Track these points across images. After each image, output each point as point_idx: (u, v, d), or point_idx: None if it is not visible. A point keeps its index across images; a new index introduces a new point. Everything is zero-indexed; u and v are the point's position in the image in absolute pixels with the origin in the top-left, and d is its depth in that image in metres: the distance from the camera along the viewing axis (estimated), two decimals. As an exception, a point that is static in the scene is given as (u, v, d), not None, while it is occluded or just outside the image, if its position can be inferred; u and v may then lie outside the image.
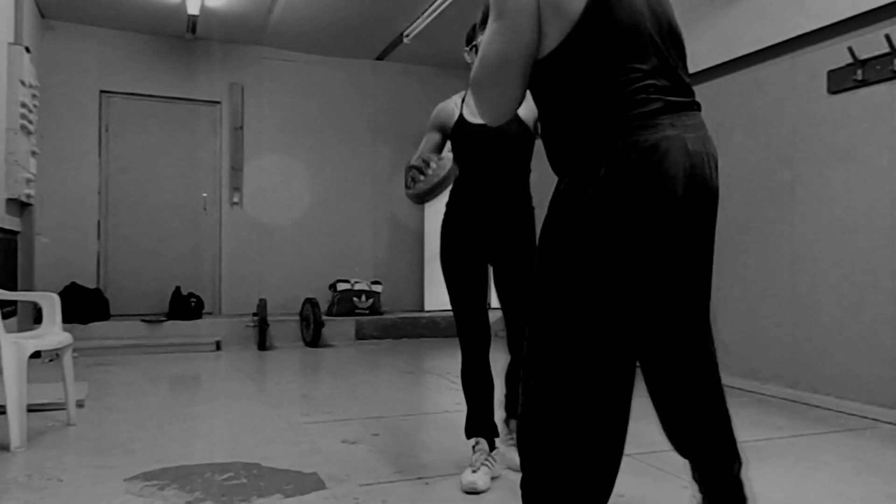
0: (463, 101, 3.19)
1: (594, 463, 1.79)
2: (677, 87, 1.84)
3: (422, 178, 2.87)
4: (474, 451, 3.07)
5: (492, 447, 3.11)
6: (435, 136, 3.20)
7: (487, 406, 3.12)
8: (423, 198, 2.95)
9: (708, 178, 1.79)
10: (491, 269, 3.22)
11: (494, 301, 3.47)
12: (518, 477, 1.91)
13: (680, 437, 2.09)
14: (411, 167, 2.90)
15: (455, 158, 3.13)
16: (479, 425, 3.12)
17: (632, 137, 1.68)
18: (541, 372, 1.76)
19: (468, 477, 2.93)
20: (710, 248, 1.89)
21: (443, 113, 3.21)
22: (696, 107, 1.92)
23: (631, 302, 1.71)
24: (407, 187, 2.95)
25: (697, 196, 1.75)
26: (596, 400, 1.73)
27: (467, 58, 3.12)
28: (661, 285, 1.76)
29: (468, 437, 3.16)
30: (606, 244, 1.67)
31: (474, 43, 3.03)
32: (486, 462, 3.03)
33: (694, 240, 1.80)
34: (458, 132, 3.13)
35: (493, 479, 3.02)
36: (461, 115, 3.14)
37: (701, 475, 2.10)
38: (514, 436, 2.81)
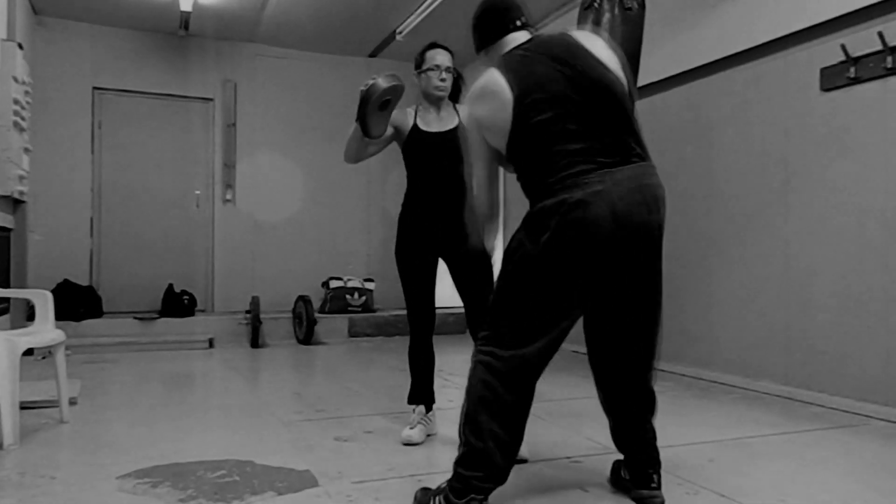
0: (416, 113, 3.67)
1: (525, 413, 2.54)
2: (609, 151, 2.43)
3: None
4: (414, 413, 3.69)
5: (428, 410, 3.72)
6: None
7: (429, 379, 3.75)
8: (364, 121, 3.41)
9: (641, 215, 2.41)
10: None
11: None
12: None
13: (613, 401, 2.76)
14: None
15: (408, 164, 3.70)
16: (420, 394, 3.73)
17: (564, 195, 2.36)
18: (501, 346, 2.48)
19: (406, 432, 3.56)
20: (652, 264, 2.55)
21: (399, 116, 3.65)
22: (634, 160, 2.46)
23: (568, 302, 2.46)
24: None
25: (627, 231, 2.39)
26: (536, 366, 2.49)
27: (416, 79, 3.66)
28: (592, 293, 2.50)
29: (410, 403, 3.75)
30: (559, 263, 2.39)
31: (423, 68, 3.60)
32: (422, 421, 3.66)
33: (626, 262, 2.46)
34: (413, 139, 3.62)
35: (427, 435, 3.68)
36: (416, 125, 3.63)
37: (623, 431, 2.75)
38: None
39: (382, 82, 3.34)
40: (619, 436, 2.77)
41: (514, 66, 2.55)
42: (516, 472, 3.12)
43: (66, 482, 2.94)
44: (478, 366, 2.50)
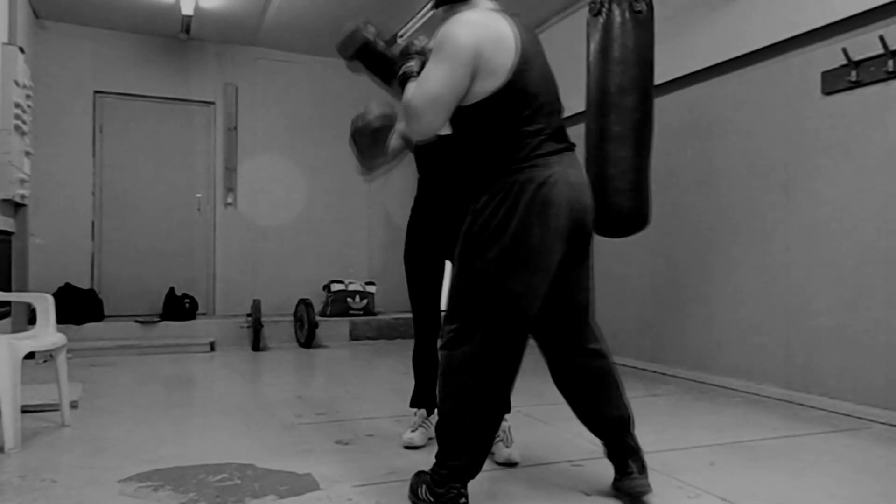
0: None
1: (503, 407, 2.74)
2: (562, 137, 2.64)
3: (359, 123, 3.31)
4: (415, 416, 3.72)
5: (430, 414, 3.71)
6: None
7: (431, 382, 3.57)
8: (362, 146, 3.34)
9: (584, 202, 2.62)
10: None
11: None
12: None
13: (567, 382, 2.89)
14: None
15: (419, 168, 3.73)
16: (423, 398, 3.74)
17: (532, 173, 2.50)
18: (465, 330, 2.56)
19: (407, 435, 3.61)
20: (587, 248, 2.71)
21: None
22: (573, 149, 2.69)
23: (532, 280, 2.52)
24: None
25: (577, 214, 2.57)
26: (511, 349, 2.57)
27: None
28: (552, 272, 2.57)
29: (412, 406, 3.79)
30: (517, 245, 2.48)
31: (407, 62, 3.20)
32: (424, 424, 3.67)
33: (574, 241, 2.60)
34: (424, 143, 3.44)
35: (429, 439, 3.59)
36: None
37: (604, 441, 2.85)
38: (500, 435, 3.28)
39: (375, 121, 3.28)
40: (586, 421, 2.89)
41: (517, 26, 2.60)
42: (516, 476, 3.12)
43: (68, 486, 2.94)
44: (453, 361, 2.59)
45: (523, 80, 2.51)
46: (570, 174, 2.56)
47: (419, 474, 2.75)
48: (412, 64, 2.75)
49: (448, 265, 3.62)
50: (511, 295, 2.51)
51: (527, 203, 2.47)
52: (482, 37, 2.48)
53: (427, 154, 3.64)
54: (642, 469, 2.74)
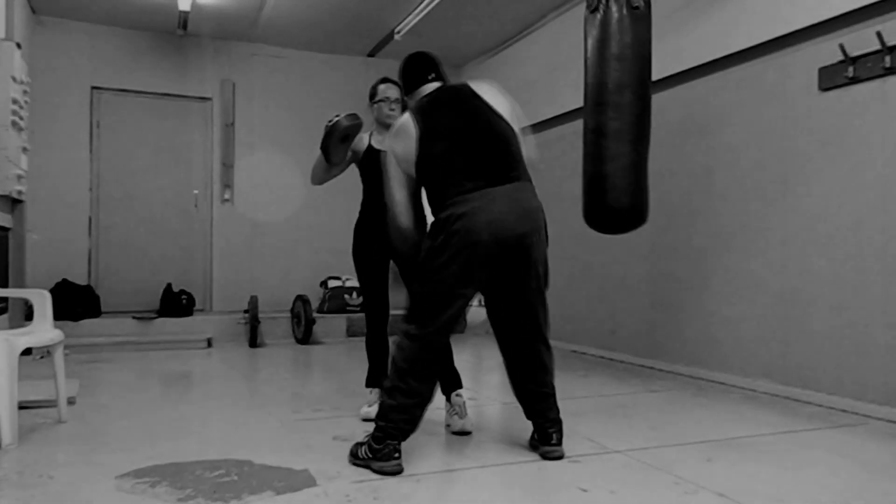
0: (370, 136, 4.25)
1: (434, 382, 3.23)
2: (489, 175, 3.18)
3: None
4: (370, 394, 4.18)
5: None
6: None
7: (384, 364, 4.04)
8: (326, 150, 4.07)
9: (511, 222, 3.13)
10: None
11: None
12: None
13: (511, 366, 3.46)
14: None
15: (363, 179, 4.29)
16: (377, 378, 4.13)
17: (452, 209, 3.11)
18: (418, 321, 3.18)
19: (364, 409, 4.05)
20: (525, 260, 3.21)
21: (356, 142, 4.23)
22: (512, 180, 3.22)
23: (448, 296, 3.13)
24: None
25: (501, 236, 3.10)
26: (442, 336, 3.21)
27: (369, 109, 4.30)
28: (481, 282, 3.22)
29: (367, 386, 4.24)
30: (436, 270, 3.12)
31: (376, 99, 4.23)
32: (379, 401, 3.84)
33: (502, 258, 3.16)
34: (368, 157, 4.18)
35: None
36: (370, 145, 4.21)
37: (522, 390, 3.45)
38: (456, 408, 3.88)
39: (344, 121, 3.97)
40: (521, 395, 3.46)
41: (421, 110, 3.35)
42: (515, 472, 3.12)
43: (65, 482, 2.94)
44: (402, 339, 3.18)
45: (429, 151, 3.24)
46: (496, 205, 3.12)
47: (357, 443, 3.23)
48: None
49: (392, 263, 4.19)
50: (432, 308, 3.15)
51: (446, 236, 3.10)
52: (392, 144, 3.38)
53: (368, 170, 4.19)
54: (560, 441, 3.32)
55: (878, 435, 3.79)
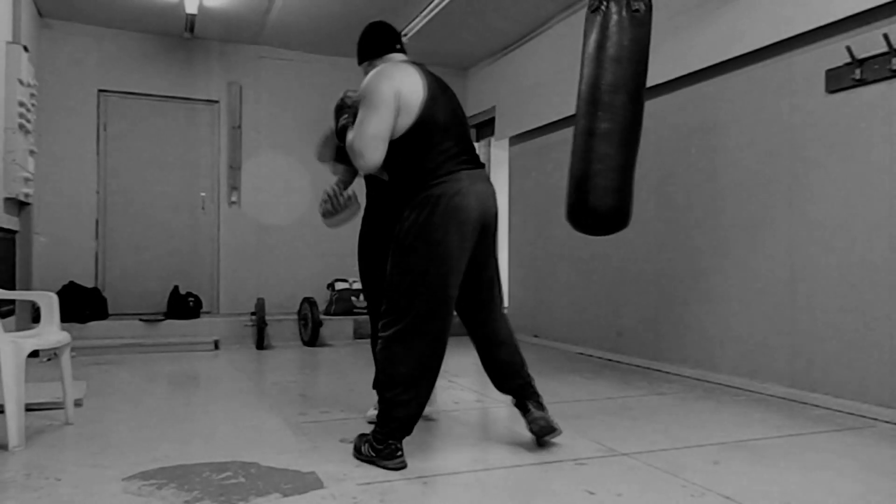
0: None
1: (431, 380, 3.25)
2: (469, 158, 3.34)
3: (330, 209, 4.06)
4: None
5: None
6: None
7: None
8: (333, 225, 4.17)
9: (490, 202, 3.33)
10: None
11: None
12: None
13: (487, 355, 3.59)
14: (327, 198, 4.04)
15: (366, 183, 4.18)
16: None
17: (444, 187, 3.17)
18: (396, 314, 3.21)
19: (371, 412, 3.95)
20: (491, 242, 3.43)
21: None
22: (481, 166, 3.41)
23: (450, 271, 3.18)
24: (322, 215, 4.13)
25: (483, 216, 3.27)
26: (440, 330, 3.21)
27: (335, 122, 4.13)
28: (466, 260, 3.25)
29: (374, 388, 3.90)
30: (436, 244, 3.14)
31: (343, 115, 3.93)
32: None
33: (482, 239, 3.31)
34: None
35: None
36: None
37: (500, 380, 3.58)
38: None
39: (353, 211, 4.06)
40: (492, 369, 3.59)
41: (424, 74, 3.32)
42: (522, 475, 3.12)
43: (72, 484, 2.95)
44: (388, 339, 3.19)
45: (433, 114, 3.22)
46: (477, 186, 3.25)
47: (362, 436, 3.32)
48: (346, 116, 3.62)
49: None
50: (432, 286, 3.15)
51: (442, 211, 3.14)
52: (398, 83, 3.18)
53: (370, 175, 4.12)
54: (539, 406, 3.49)
55: (886, 438, 3.78)
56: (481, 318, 3.53)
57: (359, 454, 3.26)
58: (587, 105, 4.24)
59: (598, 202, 4.16)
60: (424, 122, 3.20)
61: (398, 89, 3.17)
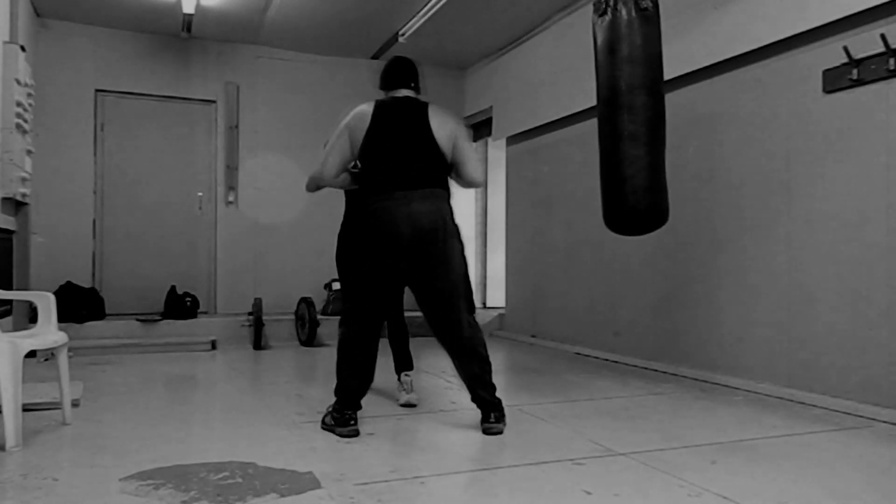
0: None
1: (367, 361, 3.90)
2: (410, 180, 3.75)
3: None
4: (399, 381, 4.66)
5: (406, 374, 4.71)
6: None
7: (404, 350, 4.80)
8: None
9: (424, 221, 3.71)
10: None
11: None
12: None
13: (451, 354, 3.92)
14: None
15: (345, 192, 4.87)
16: (401, 364, 4.75)
17: (379, 203, 3.74)
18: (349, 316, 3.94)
19: (404, 396, 4.52)
20: (438, 250, 3.76)
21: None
22: (428, 185, 3.79)
23: (383, 275, 3.77)
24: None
25: (416, 233, 3.69)
26: (370, 323, 3.88)
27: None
28: (397, 268, 3.77)
29: (396, 372, 4.73)
30: (365, 256, 3.77)
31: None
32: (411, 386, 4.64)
33: (419, 254, 3.73)
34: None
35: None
36: None
37: (470, 389, 3.90)
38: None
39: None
40: (461, 376, 3.95)
41: (382, 106, 3.89)
42: (519, 475, 3.12)
43: (69, 484, 2.94)
44: (339, 331, 3.95)
45: (373, 144, 3.80)
46: (412, 206, 3.70)
47: (327, 409, 3.90)
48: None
49: None
50: (361, 290, 3.82)
51: (371, 224, 3.74)
52: (350, 120, 3.89)
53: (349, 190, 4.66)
54: (499, 419, 3.79)
55: (884, 437, 3.78)
56: (441, 327, 3.88)
57: (323, 424, 3.88)
58: (609, 108, 4.25)
59: (636, 204, 4.19)
60: (365, 150, 3.83)
61: (349, 124, 3.88)
